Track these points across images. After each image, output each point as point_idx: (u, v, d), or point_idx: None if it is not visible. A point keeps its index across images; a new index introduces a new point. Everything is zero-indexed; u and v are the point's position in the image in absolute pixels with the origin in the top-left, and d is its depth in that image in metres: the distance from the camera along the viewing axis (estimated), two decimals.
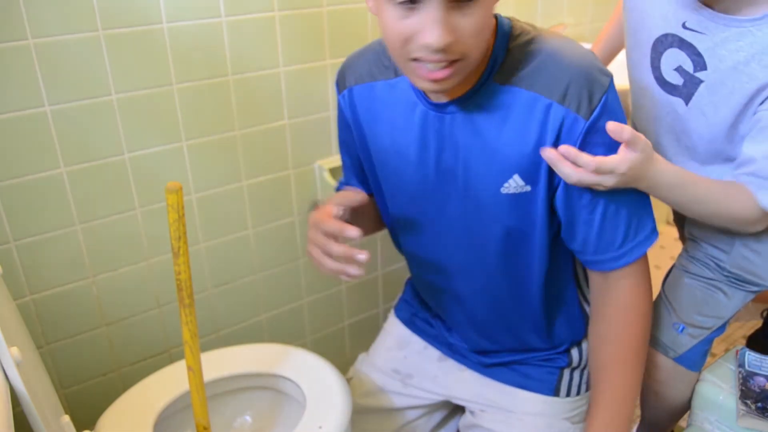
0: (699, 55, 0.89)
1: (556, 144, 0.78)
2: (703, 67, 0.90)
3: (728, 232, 1.02)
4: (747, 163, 0.87)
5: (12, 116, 1.03)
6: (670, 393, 1.16)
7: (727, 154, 0.96)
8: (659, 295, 1.14)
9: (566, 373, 1.00)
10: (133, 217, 1.21)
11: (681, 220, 1.15)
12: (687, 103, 0.94)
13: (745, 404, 1.01)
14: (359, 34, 1.35)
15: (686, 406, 1.17)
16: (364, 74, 0.93)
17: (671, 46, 0.93)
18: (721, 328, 1.09)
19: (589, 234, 0.84)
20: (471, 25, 0.69)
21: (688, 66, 0.92)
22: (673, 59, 0.93)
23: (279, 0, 1.22)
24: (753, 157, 0.86)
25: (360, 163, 1.01)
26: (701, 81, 0.91)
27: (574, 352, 1.00)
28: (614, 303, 0.89)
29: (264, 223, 1.38)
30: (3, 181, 1.06)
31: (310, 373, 1.07)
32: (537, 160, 0.79)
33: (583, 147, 0.77)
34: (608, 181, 0.78)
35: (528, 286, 0.92)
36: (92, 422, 0.97)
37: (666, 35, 0.93)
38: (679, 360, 1.10)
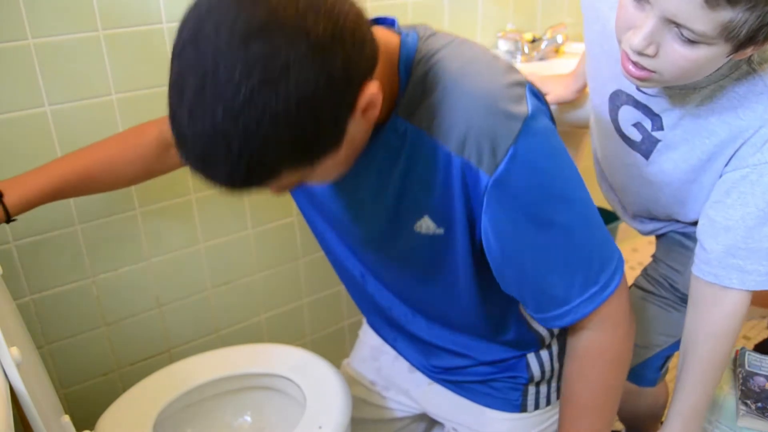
0: (656, 115, 0.87)
1: (466, 198, 0.67)
2: (660, 127, 0.87)
3: (683, 253, 1.02)
4: (719, 235, 0.83)
5: (12, 116, 1.03)
6: (630, 408, 1.16)
7: (680, 213, 0.95)
8: None
9: (531, 388, 0.94)
10: (133, 217, 1.21)
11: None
12: (647, 159, 0.92)
13: (745, 404, 1.01)
14: None
15: (657, 413, 1.17)
16: None
17: (626, 104, 0.90)
18: (676, 345, 1.07)
19: (524, 290, 0.74)
20: (316, 178, 0.64)
21: (647, 124, 0.89)
22: (630, 115, 0.90)
23: None
24: (727, 226, 0.82)
25: None
26: (659, 140, 0.88)
27: (534, 365, 0.93)
28: (576, 352, 0.79)
29: (264, 223, 1.38)
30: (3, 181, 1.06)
31: (310, 373, 1.07)
32: (449, 205, 0.70)
33: (489, 206, 0.66)
34: None
35: (463, 318, 0.86)
36: (92, 422, 0.97)
37: (620, 92, 0.90)
38: (629, 376, 1.06)
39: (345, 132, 0.58)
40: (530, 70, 1.48)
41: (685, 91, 0.81)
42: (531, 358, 0.92)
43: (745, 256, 0.81)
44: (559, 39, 1.60)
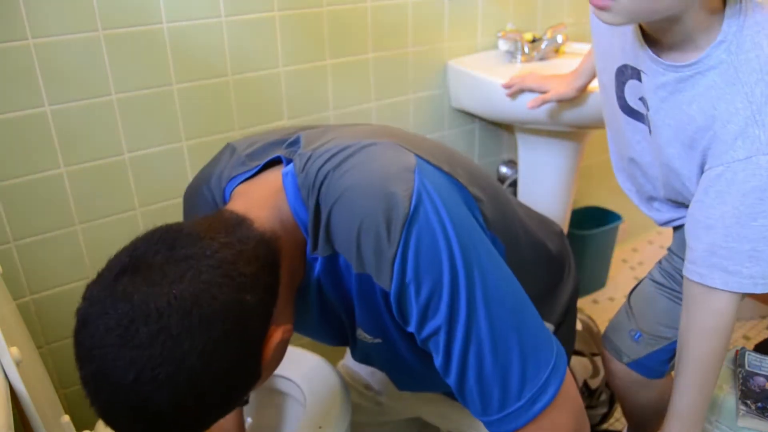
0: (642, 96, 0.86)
1: (389, 312, 0.66)
2: (647, 108, 0.87)
3: None
4: (701, 235, 0.83)
5: (12, 116, 1.03)
6: (635, 399, 1.15)
7: (682, 196, 0.94)
8: (623, 304, 1.14)
9: None
10: (133, 217, 1.21)
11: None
12: (650, 133, 0.91)
13: (745, 404, 1.01)
14: (359, 34, 1.36)
15: (662, 409, 1.17)
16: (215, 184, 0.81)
17: (631, 78, 0.89)
18: None
19: (460, 392, 0.66)
20: None
21: (647, 100, 0.89)
22: (636, 90, 0.90)
23: (279, 0, 1.22)
24: (708, 225, 0.81)
25: None
26: (650, 120, 0.88)
27: None
28: None
29: None
30: (3, 181, 1.06)
31: (310, 373, 1.06)
32: (376, 323, 0.69)
33: (401, 314, 0.64)
34: None
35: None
36: (92, 422, 0.97)
37: (626, 66, 0.89)
38: (634, 366, 1.09)
39: (260, 370, 0.61)
40: (530, 70, 1.48)
41: (664, 68, 0.81)
42: None
43: (726, 256, 0.80)
44: (559, 39, 1.60)
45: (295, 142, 0.73)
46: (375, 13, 1.36)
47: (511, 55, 1.59)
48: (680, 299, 1.04)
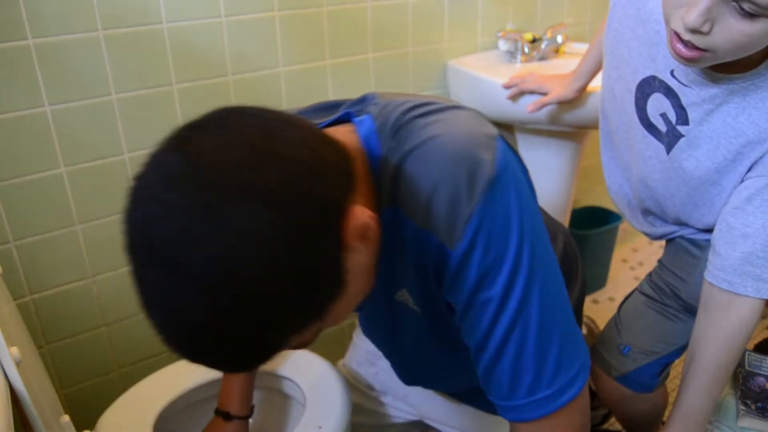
0: (682, 108, 0.84)
1: (437, 274, 0.63)
2: (685, 122, 0.85)
3: (689, 261, 1.01)
4: (737, 243, 0.82)
5: (12, 116, 1.03)
6: (628, 413, 1.15)
7: (693, 216, 0.94)
8: (612, 317, 1.14)
9: None
10: None
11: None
12: (668, 153, 0.90)
13: (745, 404, 1.01)
14: (359, 34, 1.36)
15: (656, 418, 1.17)
16: None
17: (657, 91, 0.87)
18: (677, 353, 1.06)
19: (489, 371, 0.65)
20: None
21: (671, 116, 0.87)
22: (658, 104, 0.88)
23: (279, 0, 1.22)
24: (746, 233, 0.81)
25: None
26: (682, 135, 0.86)
27: None
28: None
29: None
30: (3, 181, 1.06)
31: (310, 373, 1.06)
32: (424, 288, 0.66)
33: (455, 279, 0.61)
34: None
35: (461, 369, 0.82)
36: (92, 422, 0.97)
37: (653, 78, 0.87)
38: (622, 380, 1.08)
39: (344, 271, 0.53)
40: (530, 70, 1.48)
41: (714, 80, 0.79)
42: None
43: (762, 265, 0.80)
44: (559, 39, 1.60)
45: (362, 101, 0.68)
46: (375, 13, 1.36)
47: (511, 55, 1.59)
48: (670, 314, 1.05)
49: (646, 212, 1.06)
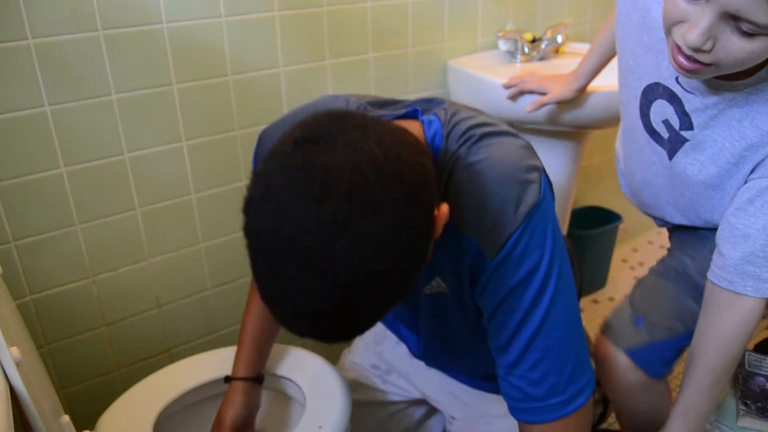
0: (686, 114, 0.85)
1: (471, 276, 0.71)
2: (690, 127, 0.86)
3: (697, 240, 1.01)
4: (738, 243, 0.83)
5: (12, 116, 1.03)
6: (633, 404, 1.12)
7: (701, 218, 0.95)
8: (631, 290, 1.13)
9: None
10: (133, 217, 1.21)
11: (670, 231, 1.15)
12: (670, 159, 0.91)
13: (745, 404, 1.01)
14: (359, 34, 1.36)
15: (657, 420, 1.16)
16: None
17: (661, 97, 0.88)
18: (685, 338, 1.04)
19: (507, 374, 0.73)
20: None
21: (674, 122, 0.88)
22: (661, 111, 0.89)
23: (279, 0, 1.22)
24: (747, 234, 0.81)
25: None
26: (686, 140, 0.87)
27: None
28: None
29: None
30: (3, 181, 1.06)
31: (310, 373, 1.07)
32: (458, 279, 0.74)
33: (487, 285, 0.69)
34: None
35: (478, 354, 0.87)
36: (92, 422, 0.97)
37: (657, 84, 0.88)
38: (633, 355, 1.06)
39: (429, 246, 0.59)
40: (530, 70, 1.48)
41: (717, 87, 0.80)
42: None
43: (762, 265, 0.81)
44: (559, 39, 1.60)
45: (430, 101, 0.75)
46: (375, 13, 1.36)
47: (511, 55, 1.59)
48: (682, 293, 1.04)
49: (652, 216, 1.06)
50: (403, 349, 1.09)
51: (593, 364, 0.76)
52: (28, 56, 1.01)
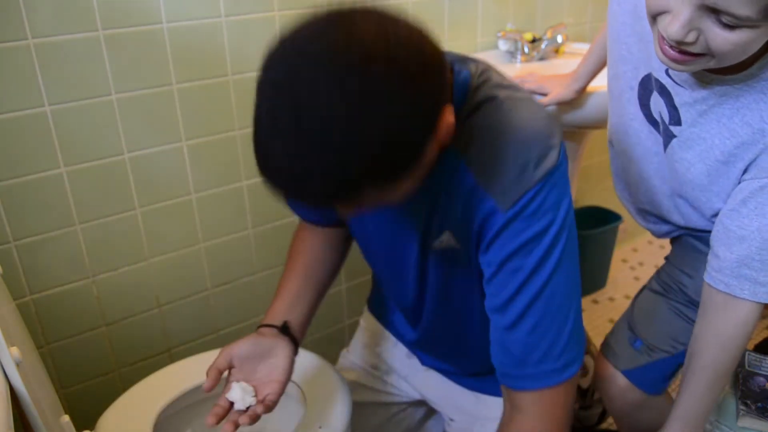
0: (675, 108, 0.84)
1: (479, 232, 0.71)
2: (678, 122, 0.84)
3: (697, 257, 0.99)
4: (733, 245, 0.82)
5: (12, 116, 1.03)
6: (635, 423, 1.12)
7: (690, 221, 0.94)
8: (626, 310, 1.13)
9: None
10: (133, 217, 1.21)
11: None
12: (664, 150, 0.90)
13: (745, 404, 1.01)
14: None
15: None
16: None
17: (653, 90, 0.87)
18: (684, 354, 1.03)
19: (504, 337, 0.73)
20: (389, 201, 0.64)
21: (665, 115, 0.86)
22: (655, 103, 0.88)
23: (279, 0, 1.22)
24: (742, 236, 0.80)
25: None
26: (674, 136, 0.86)
27: None
28: (515, 426, 0.75)
29: (264, 223, 1.38)
30: (3, 181, 1.06)
31: (309, 373, 1.06)
32: (466, 232, 0.73)
33: (495, 240, 0.69)
34: None
35: (472, 330, 0.88)
36: (92, 422, 0.97)
37: (649, 76, 0.87)
38: (631, 375, 1.06)
39: (425, 154, 0.60)
40: (530, 70, 1.48)
41: (708, 80, 0.78)
42: None
43: (758, 268, 0.80)
44: (559, 39, 1.60)
45: (466, 57, 0.75)
46: None
47: (511, 55, 1.59)
48: (679, 311, 1.04)
49: (648, 213, 1.05)
50: (401, 349, 1.08)
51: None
52: (28, 56, 1.01)
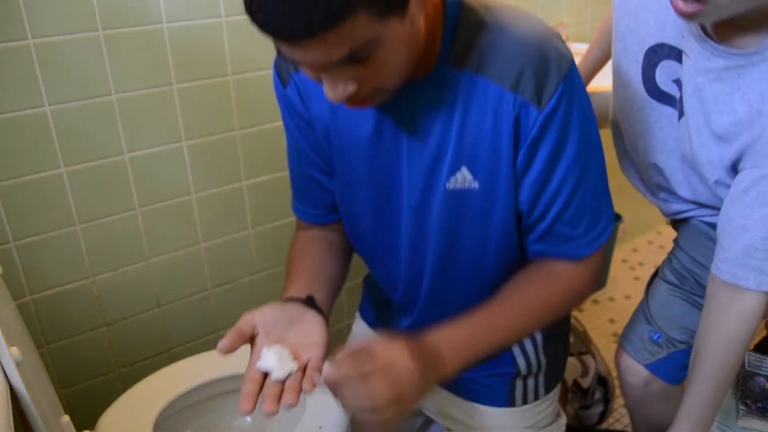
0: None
1: (515, 136, 0.70)
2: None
3: (710, 246, 0.97)
4: (736, 236, 0.81)
5: (12, 116, 1.03)
6: (649, 413, 1.12)
7: (701, 195, 0.93)
8: (642, 300, 1.12)
9: (518, 383, 0.93)
10: (133, 217, 1.21)
11: (677, 224, 1.14)
12: (679, 119, 0.89)
13: (745, 404, 1.01)
14: None
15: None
16: None
17: (668, 57, 0.87)
18: None
19: (549, 205, 0.75)
20: (373, 70, 0.61)
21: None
22: (671, 70, 0.87)
23: None
24: (745, 225, 0.80)
25: (322, 169, 0.88)
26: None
27: (519, 359, 0.92)
28: (552, 281, 0.79)
29: (264, 223, 1.38)
30: (3, 181, 1.06)
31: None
32: (492, 155, 0.72)
33: (537, 139, 0.70)
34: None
35: (476, 288, 0.84)
36: (92, 422, 0.97)
37: (662, 45, 0.87)
38: (653, 368, 1.06)
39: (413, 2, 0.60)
40: None
41: (712, 52, 0.78)
42: (516, 351, 0.91)
43: (762, 258, 0.79)
44: None
45: None
46: None
47: None
48: (695, 302, 1.03)
49: (658, 187, 1.03)
50: None
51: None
52: (28, 56, 1.01)
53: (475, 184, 0.74)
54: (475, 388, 0.95)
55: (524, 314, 0.78)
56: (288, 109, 0.85)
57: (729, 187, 0.85)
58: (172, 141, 1.20)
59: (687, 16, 0.72)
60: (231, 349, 0.67)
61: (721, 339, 0.86)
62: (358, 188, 0.84)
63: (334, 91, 0.62)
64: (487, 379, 0.93)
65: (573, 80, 0.69)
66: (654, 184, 1.04)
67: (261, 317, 0.71)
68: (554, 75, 0.67)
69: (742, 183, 0.80)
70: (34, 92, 1.03)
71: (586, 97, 0.72)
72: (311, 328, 0.72)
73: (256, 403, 0.65)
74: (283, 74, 0.84)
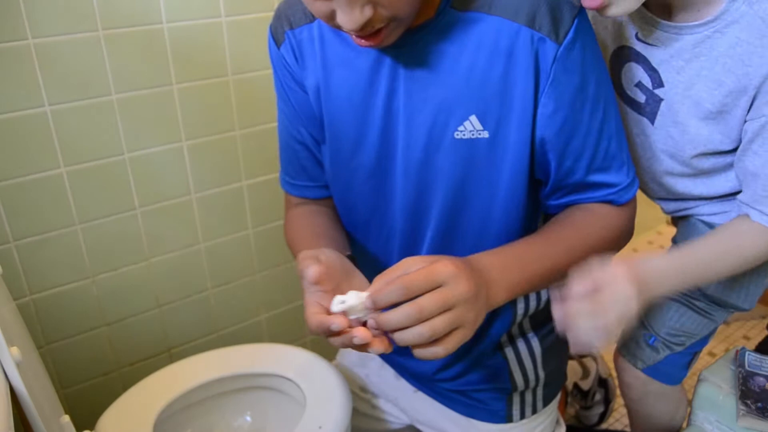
0: (654, 69, 0.83)
1: (535, 73, 0.68)
2: (660, 83, 0.83)
3: None
4: (749, 182, 0.81)
5: (12, 116, 1.03)
6: (649, 412, 1.12)
7: (695, 192, 0.93)
8: None
9: (515, 398, 0.91)
10: (133, 217, 1.21)
11: (677, 221, 1.13)
12: (653, 124, 0.88)
13: (745, 404, 1.01)
14: None
15: (672, 426, 1.15)
16: (301, 16, 0.78)
17: (628, 60, 0.86)
18: (702, 342, 1.05)
19: (589, 170, 0.75)
20: None
21: (647, 81, 0.85)
22: (632, 74, 0.87)
23: (279, 0, 1.22)
24: (755, 173, 0.80)
25: (312, 134, 0.84)
26: (662, 99, 0.84)
27: (516, 374, 0.90)
28: (593, 219, 0.79)
29: (264, 223, 1.38)
30: (3, 181, 1.06)
31: (310, 373, 1.06)
32: (502, 101, 0.69)
33: (557, 75, 0.68)
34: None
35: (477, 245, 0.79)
36: (92, 422, 0.97)
37: (621, 48, 0.86)
38: (651, 372, 1.06)
39: None
40: None
41: (676, 32, 0.78)
42: (513, 366, 0.90)
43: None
44: None
45: None
46: None
47: None
48: (691, 304, 1.03)
49: (651, 188, 1.03)
50: (388, 371, 1.03)
51: None
52: (28, 56, 1.01)
53: (485, 134, 0.71)
54: (470, 404, 0.94)
55: (568, 246, 0.75)
56: (282, 70, 0.82)
57: (712, 157, 0.86)
58: (172, 141, 1.20)
59: (595, 8, 0.72)
60: (320, 276, 0.64)
61: (737, 255, 0.83)
62: (348, 154, 0.80)
63: (350, 15, 0.60)
64: (483, 395, 0.92)
65: (585, 17, 0.69)
66: (647, 186, 1.03)
67: (326, 257, 0.67)
68: (568, 10, 0.67)
69: (747, 135, 0.80)
70: (34, 92, 1.03)
71: (594, 36, 0.73)
72: (364, 284, 0.68)
73: (364, 341, 0.60)
74: (278, 34, 0.80)
